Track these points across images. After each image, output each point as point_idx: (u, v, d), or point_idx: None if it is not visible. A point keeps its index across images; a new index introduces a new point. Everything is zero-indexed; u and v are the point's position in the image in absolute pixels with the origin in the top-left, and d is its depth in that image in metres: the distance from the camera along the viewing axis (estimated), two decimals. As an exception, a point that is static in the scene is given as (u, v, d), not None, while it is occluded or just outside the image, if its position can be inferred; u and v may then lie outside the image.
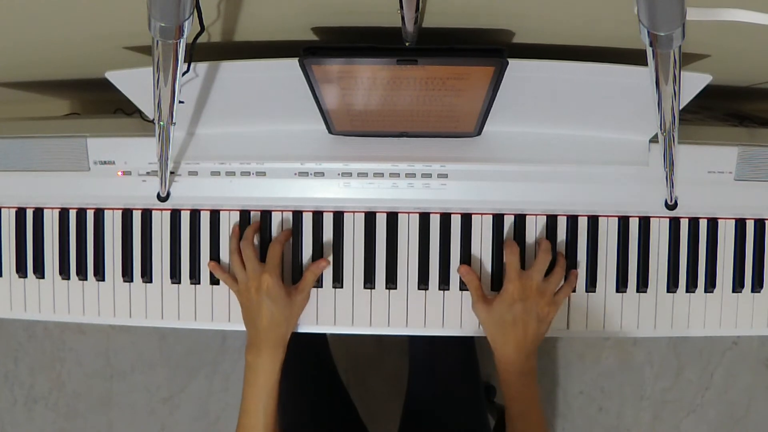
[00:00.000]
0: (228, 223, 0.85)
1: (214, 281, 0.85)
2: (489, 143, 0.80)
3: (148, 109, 0.76)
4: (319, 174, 0.81)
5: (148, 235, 0.86)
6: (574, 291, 0.84)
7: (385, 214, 0.84)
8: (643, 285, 0.84)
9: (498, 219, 0.84)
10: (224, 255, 0.85)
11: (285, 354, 0.79)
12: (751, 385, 1.63)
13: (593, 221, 0.84)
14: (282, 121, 0.79)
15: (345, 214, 0.84)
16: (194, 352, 1.65)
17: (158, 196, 0.83)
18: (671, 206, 0.82)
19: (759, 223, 0.85)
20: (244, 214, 0.85)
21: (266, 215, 0.85)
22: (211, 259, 0.85)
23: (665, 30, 0.48)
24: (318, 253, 0.84)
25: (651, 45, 0.50)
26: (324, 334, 1.11)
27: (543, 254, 0.80)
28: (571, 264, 0.84)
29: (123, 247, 0.86)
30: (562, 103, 0.74)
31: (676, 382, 1.63)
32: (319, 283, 0.84)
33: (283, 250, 0.82)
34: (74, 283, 0.87)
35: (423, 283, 0.84)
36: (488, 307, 0.78)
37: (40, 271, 0.87)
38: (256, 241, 0.84)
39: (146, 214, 0.86)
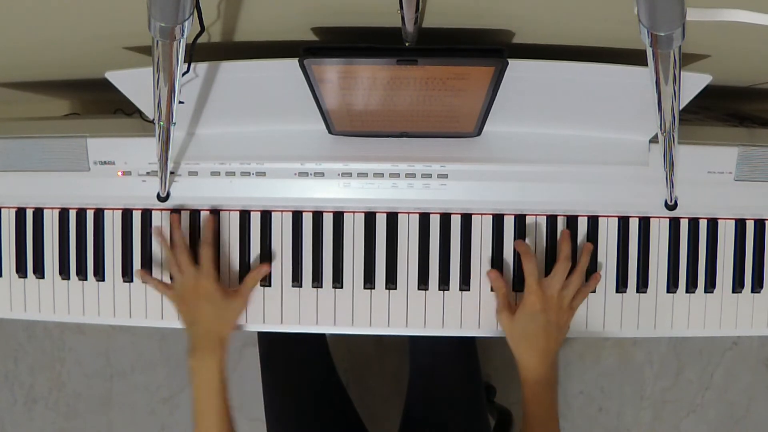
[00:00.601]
0: (228, 223, 0.85)
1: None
2: (489, 143, 0.80)
3: (148, 109, 0.76)
4: (319, 174, 0.81)
5: (148, 235, 0.86)
6: (593, 292, 0.84)
7: (385, 215, 0.84)
8: (643, 285, 0.84)
9: (498, 219, 0.84)
10: (224, 255, 0.85)
11: (225, 354, 0.79)
12: (751, 385, 1.63)
13: (593, 221, 0.84)
14: (282, 121, 0.79)
15: (345, 214, 0.84)
16: (194, 352, 1.65)
17: (158, 196, 0.83)
18: (671, 206, 0.82)
19: (759, 223, 0.85)
20: (244, 214, 0.85)
21: (267, 215, 0.85)
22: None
23: (665, 30, 0.48)
24: (318, 253, 0.84)
25: (651, 45, 0.50)
26: (323, 334, 1.11)
27: (563, 262, 0.79)
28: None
29: (123, 247, 0.86)
30: (562, 104, 0.74)
31: (676, 382, 1.63)
32: (319, 284, 0.84)
33: (214, 251, 0.82)
34: (74, 283, 0.87)
35: (423, 283, 0.84)
36: (512, 318, 0.79)
37: (40, 271, 0.87)
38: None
39: (146, 214, 0.86)
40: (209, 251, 0.81)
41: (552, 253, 0.84)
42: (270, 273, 0.84)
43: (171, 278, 0.84)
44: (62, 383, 1.67)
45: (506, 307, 0.80)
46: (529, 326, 0.77)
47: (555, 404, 0.78)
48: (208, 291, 0.79)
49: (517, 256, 0.84)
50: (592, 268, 0.84)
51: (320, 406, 1.02)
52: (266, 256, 0.85)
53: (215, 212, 0.85)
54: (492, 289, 0.83)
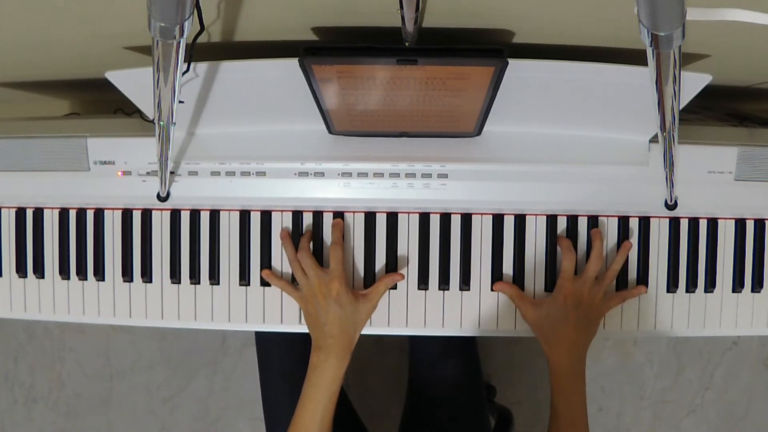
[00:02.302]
0: (228, 223, 0.85)
1: (214, 282, 0.85)
2: (489, 143, 0.80)
3: (148, 109, 0.76)
4: (319, 174, 0.81)
5: (148, 235, 0.86)
6: (646, 291, 0.84)
7: (385, 214, 0.84)
8: (643, 285, 0.84)
9: (498, 219, 0.84)
10: (224, 255, 0.85)
11: (350, 360, 0.79)
12: (751, 385, 1.63)
13: (593, 221, 0.84)
14: (282, 121, 0.79)
15: (345, 214, 0.84)
16: (194, 352, 1.65)
17: (158, 196, 0.83)
18: (671, 206, 0.82)
19: (759, 223, 0.85)
20: (244, 214, 0.85)
21: (267, 215, 0.85)
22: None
23: (665, 30, 0.48)
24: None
25: (651, 45, 0.50)
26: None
27: (594, 262, 0.80)
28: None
29: (123, 247, 0.86)
30: (562, 103, 0.74)
31: (676, 382, 1.63)
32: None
33: (343, 252, 0.81)
34: (74, 283, 0.87)
35: (423, 283, 0.84)
36: (538, 309, 0.79)
37: (40, 271, 0.87)
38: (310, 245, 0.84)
39: (146, 214, 0.86)
40: (339, 253, 0.80)
41: (552, 253, 0.84)
42: (269, 273, 0.84)
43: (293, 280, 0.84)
44: (62, 383, 1.67)
45: (528, 304, 0.80)
46: (559, 321, 0.78)
47: (584, 397, 0.78)
48: (339, 293, 0.78)
49: (516, 263, 0.84)
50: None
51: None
52: (266, 256, 0.85)
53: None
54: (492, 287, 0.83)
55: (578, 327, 0.78)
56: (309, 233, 0.84)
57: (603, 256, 0.81)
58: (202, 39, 0.65)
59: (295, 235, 0.85)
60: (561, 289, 0.79)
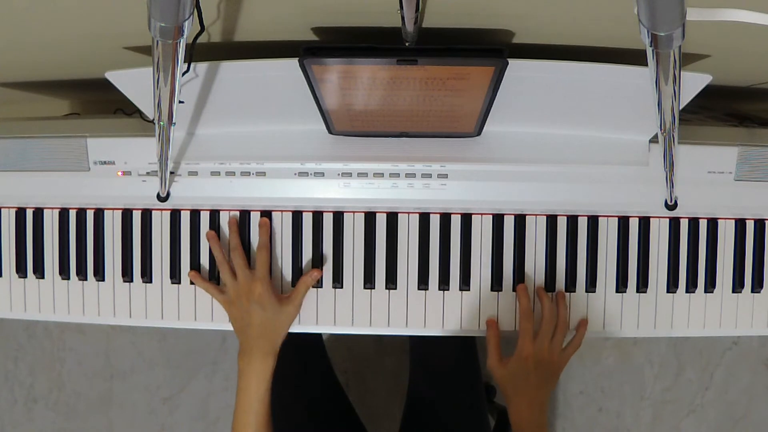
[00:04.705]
0: (228, 223, 0.85)
1: (214, 282, 0.85)
2: (489, 143, 0.80)
3: (148, 109, 0.76)
4: (319, 174, 0.81)
5: (148, 236, 0.86)
6: (587, 322, 0.84)
7: (385, 215, 0.84)
8: (643, 285, 0.84)
9: (498, 219, 0.84)
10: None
11: (276, 361, 0.79)
12: (751, 385, 1.63)
13: (593, 221, 0.84)
14: (282, 121, 0.79)
15: (345, 214, 0.84)
16: (194, 352, 1.65)
17: (158, 196, 0.83)
18: (671, 206, 0.82)
19: (759, 223, 0.85)
20: (244, 214, 0.85)
21: (267, 215, 0.85)
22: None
23: (665, 30, 0.48)
24: (318, 253, 0.84)
25: (651, 45, 0.50)
26: (319, 334, 1.11)
27: (548, 321, 0.81)
28: (572, 264, 0.84)
29: (123, 248, 0.86)
30: (562, 103, 0.74)
31: (676, 382, 1.63)
32: (319, 284, 0.84)
33: (270, 254, 0.82)
34: (74, 284, 0.87)
35: (423, 283, 0.84)
36: (504, 368, 0.81)
37: (40, 271, 0.87)
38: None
39: (146, 214, 0.86)
40: (265, 255, 0.81)
41: (552, 253, 0.84)
42: (270, 273, 0.84)
43: (219, 281, 0.84)
44: (62, 383, 1.67)
45: (496, 359, 0.81)
46: (521, 380, 0.80)
47: None
48: (262, 296, 0.79)
49: (516, 263, 0.84)
50: (591, 270, 0.84)
51: (318, 407, 1.02)
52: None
53: (267, 214, 0.84)
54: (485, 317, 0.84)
55: (539, 385, 0.80)
56: (236, 231, 0.84)
57: (554, 314, 0.82)
58: (202, 39, 0.65)
59: (295, 236, 0.85)
60: (521, 350, 0.80)
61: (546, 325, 0.81)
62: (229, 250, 0.83)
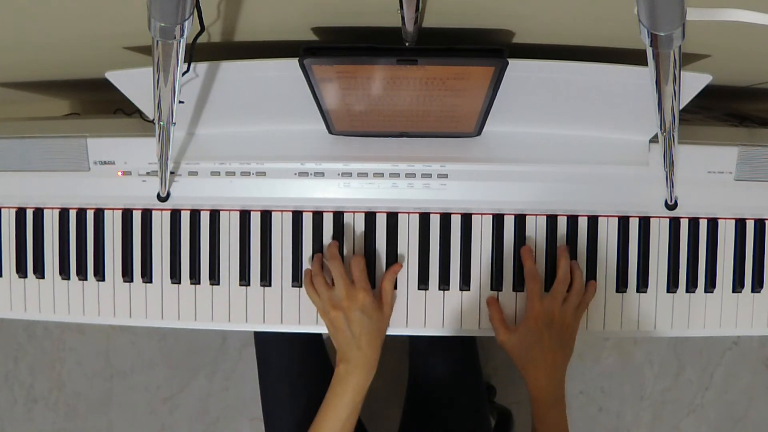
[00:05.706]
0: (228, 223, 0.85)
1: (214, 282, 0.85)
2: (489, 143, 0.80)
3: (148, 109, 0.76)
4: (319, 174, 0.81)
5: (148, 235, 0.86)
6: (595, 284, 0.84)
7: (385, 214, 0.84)
8: (643, 285, 0.84)
9: (498, 219, 0.84)
10: (224, 255, 0.85)
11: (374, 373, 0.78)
12: (751, 385, 1.63)
13: (593, 221, 0.84)
14: (282, 121, 0.79)
15: (345, 214, 0.84)
16: (194, 352, 1.65)
17: (158, 196, 0.83)
18: (671, 206, 0.82)
19: (759, 223, 0.85)
20: (244, 214, 0.85)
21: (267, 215, 0.85)
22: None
23: (665, 30, 0.48)
24: (318, 253, 0.84)
25: (651, 45, 0.50)
26: (320, 334, 1.11)
27: (561, 281, 0.80)
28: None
29: (123, 248, 0.86)
30: (562, 103, 0.74)
31: (676, 382, 1.63)
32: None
33: (365, 261, 0.80)
34: (74, 284, 0.87)
35: (423, 283, 0.84)
36: (512, 335, 0.79)
37: (40, 271, 0.87)
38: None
39: (146, 214, 0.86)
40: (362, 262, 0.80)
41: (552, 253, 0.84)
42: (270, 273, 0.84)
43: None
44: (62, 383, 1.67)
45: (503, 329, 0.80)
46: (534, 346, 0.77)
47: (565, 421, 0.78)
48: (365, 303, 0.77)
49: (517, 259, 0.84)
50: (591, 270, 0.84)
51: (318, 406, 1.02)
52: (266, 256, 0.85)
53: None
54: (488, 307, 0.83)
55: (553, 348, 0.77)
56: (336, 243, 0.83)
57: (569, 275, 0.81)
58: (202, 39, 0.65)
59: (295, 236, 0.85)
60: (531, 311, 0.78)
61: (559, 285, 0.79)
62: (329, 258, 0.81)
